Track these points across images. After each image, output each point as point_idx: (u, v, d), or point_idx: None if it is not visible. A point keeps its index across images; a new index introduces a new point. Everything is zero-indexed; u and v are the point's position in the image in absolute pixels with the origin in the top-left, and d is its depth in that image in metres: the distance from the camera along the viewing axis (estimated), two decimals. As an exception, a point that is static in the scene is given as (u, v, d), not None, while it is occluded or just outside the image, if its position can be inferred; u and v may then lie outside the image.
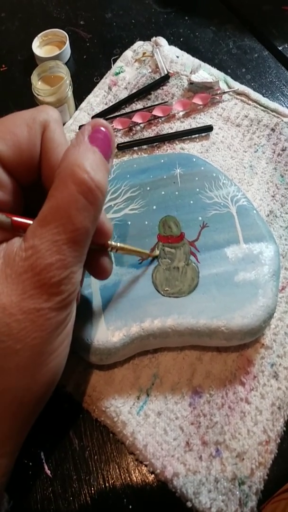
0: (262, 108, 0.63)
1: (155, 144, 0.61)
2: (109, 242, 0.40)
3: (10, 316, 0.28)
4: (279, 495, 0.44)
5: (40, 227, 0.29)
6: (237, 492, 0.40)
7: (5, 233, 0.32)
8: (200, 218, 0.50)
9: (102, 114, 0.64)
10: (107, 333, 0.44)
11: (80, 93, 0.68)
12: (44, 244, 0.29)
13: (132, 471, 0.42)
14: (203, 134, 0.62)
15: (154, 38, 0.72)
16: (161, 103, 0.64)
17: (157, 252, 0.49)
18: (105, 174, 0.31)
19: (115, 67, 0.70)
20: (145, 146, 0.61)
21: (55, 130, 0.35)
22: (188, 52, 0.71)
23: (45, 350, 0.30)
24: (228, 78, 0.67)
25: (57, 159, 0.34)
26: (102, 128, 0.32)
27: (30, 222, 0.31)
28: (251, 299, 0.45)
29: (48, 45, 0.74)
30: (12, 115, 0.35)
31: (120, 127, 0.62)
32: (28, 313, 0.29)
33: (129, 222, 0.50)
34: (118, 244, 0.41)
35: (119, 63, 0.70)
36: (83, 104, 0.66)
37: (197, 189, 0.52)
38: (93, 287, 0.47)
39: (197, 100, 0.64)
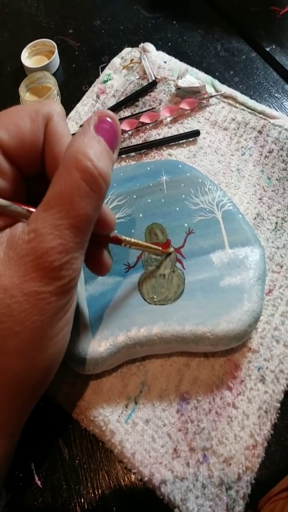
0: (249, 110, 0.63)
1: (142, 151, 0.62)
2: (123, 237, 0.41)
3: (11, 298, 0.29)
4: (277, 495, 0.44)
5: (43, 212, 0.30)
6: (224, 497, 0.40)
7: (9, 219, 0.32)
8: (186, 224, 0.51)
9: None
10: (93, 343, 0.44)
11: (70, 102, 0.69)
12: (46, 228, 0.29)
13: (121, 479, 0.43)
14: (190, 139, 0.62)
15: (141, 44, 0.73)
16: (149, 110, 0.65)
17: (171, 249, 0.49)
18: (109, 164, 0.32)
19: (103, 75, 0.70)
20: (133, 154, 0.62)
21: (58, 122, 0.36)
22: (176, 57, 0.71)
23: (45, 334, 0.31)
24: (216, 82, 0.67)
25: (60, 150, 0.35)
26: (108, 119, 0.33)
27: (33, 210, 0.32)
28: (236, 304, 0.45)
29: (37, 55, 0.75)
30: (15, 107, 0.36)
31: (108, 135, 0.63)
32: (29, 296, 0.29)
33: (116, 231, 0.51)
34: (132, 240, 0.42)
35: (107, 70, 0.71)
36: (71, 114, 0.67)
37: (183, 196, 0.52)
38: (80, 297, 0.47)
39: (184, 105, 0.64)
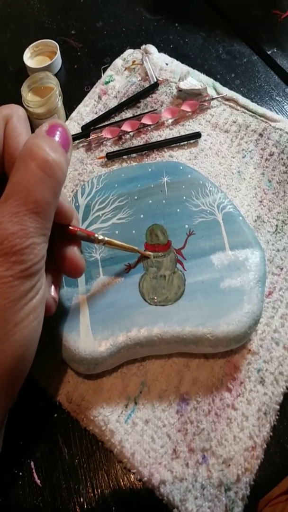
0: (250, 113, 0.64)
1: (144, 152, 0.62)
2: (95, 235, 0.42)
3: None
4: (276, 498, 0.44)
5: (3, 204, 0.31)
6: (223, 498, 0.40)
7: None
8: (186, 226, 0.51)
9: (92, 124, 0.65)
10: (94, 343, 0.45)
11: (71, 102, 0.69)
12: (5, 217, 0.30)
13: (121, 479, 0.43)
14: (191, 141, 0.62)
15: (143, 46, 0.73)
16: (150, 111, 0.65)
17: (148, 252, 0.50)
18: (62, 158, 0.33)
19: (105, 76, 0.71)
20: (134, 155, 0.62)
21: (17, 122, 0.37)
22: (178, 59, 0.72)
23: (9, 319, 0.31)
24: (217, 84, 0.67)
25: (17, 146, 0.36)
26: (58, 127, 0.35)
27: None
28: (236, 306, 0.45)
29: (39, 56, 0.75)
30: None
31: (109, 136, 0.63)
32: None
33: (117, 232, 0.51)
34: (106, 238, 0.43)
35: (109, 71, 0.71)
36: (73, 114, 0.67)
37: (184, 197, 0.53)
38: (81, 297, 0.48)
39: (185, 107, 0.64)
